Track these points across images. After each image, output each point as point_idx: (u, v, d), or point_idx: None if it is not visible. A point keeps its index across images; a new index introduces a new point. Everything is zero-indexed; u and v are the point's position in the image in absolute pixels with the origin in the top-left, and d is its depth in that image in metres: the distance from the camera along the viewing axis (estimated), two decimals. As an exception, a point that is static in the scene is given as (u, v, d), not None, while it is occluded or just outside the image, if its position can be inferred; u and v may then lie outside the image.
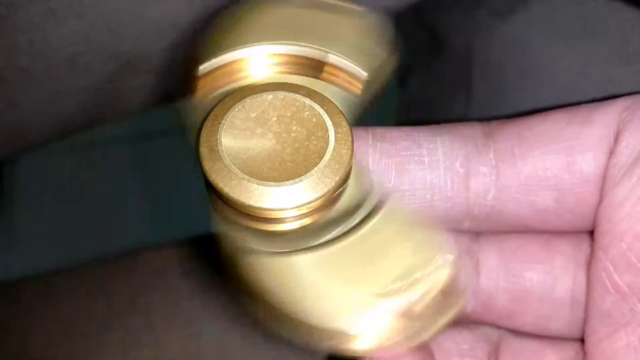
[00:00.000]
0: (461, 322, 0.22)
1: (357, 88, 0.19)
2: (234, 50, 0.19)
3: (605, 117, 0.19)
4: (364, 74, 0.19)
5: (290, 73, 0.19)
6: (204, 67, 0.19)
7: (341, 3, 0.20)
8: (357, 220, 0.18)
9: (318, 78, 0.19)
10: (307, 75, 0.19)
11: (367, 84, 0.19)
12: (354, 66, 0.19)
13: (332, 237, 0.18)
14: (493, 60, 0.28)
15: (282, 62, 0.19)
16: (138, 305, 0.27)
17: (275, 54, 0.19)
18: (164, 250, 0.28)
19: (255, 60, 0.19)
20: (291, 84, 0.18)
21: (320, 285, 0.17)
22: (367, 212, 0.18)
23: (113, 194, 0.38)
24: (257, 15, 0.19)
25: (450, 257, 0.17)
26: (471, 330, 0.21)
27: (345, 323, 0.16)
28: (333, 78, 0.19)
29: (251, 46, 0.19)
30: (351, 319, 0.16)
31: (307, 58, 0.19)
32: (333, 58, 0.19)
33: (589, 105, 0.20)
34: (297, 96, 0.18)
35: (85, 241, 0.37)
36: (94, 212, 0.38)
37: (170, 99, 0.28)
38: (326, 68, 0.19)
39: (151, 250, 0.29)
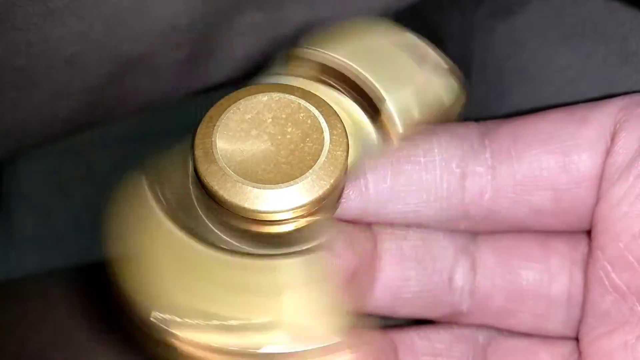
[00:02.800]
0: (444, 321, 0.21)
1: (397, 139, 0.19)
2: (325, 54, 0.19)
3: (602, 117, 0.19)
4: (410, 130, 0.19)
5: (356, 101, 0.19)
6: (300, 51, 0.19)
7: (432, 53, 0.20)
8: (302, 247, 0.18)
9: (374, 119, 0.19)
10: (365, 110, 0.19)
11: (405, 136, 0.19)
12: (403, 124, 0.19)
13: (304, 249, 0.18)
14: (492, 61, 0.28)
15: (344, 87, 0.19)
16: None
17: (341, 76, 0.19)
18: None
19: (327, 69, 0.19)
20: (286, 85, 0.18)
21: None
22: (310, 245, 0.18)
23: (111, 194, 0.38)
24: (352, 34, 0.20)
25: (334, 340, 0.17)
26: (450, 331, 0.21)
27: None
28: (384, 122, 0.19)
29: (339, 60, 0.19)
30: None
31: (368, 96, 0.19)
32: (388, 108, 0.19)
33: (586, 105, 0.20)
34: (292, 97, 0.18)
35: (85, 242, 0.37)
36: (94, 212, 0.38)
37: (172, 98, 0.28)
38: (382, 114, 0.19)
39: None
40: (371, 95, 0.19)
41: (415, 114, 0.19)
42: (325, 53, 0.19)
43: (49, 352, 0.26)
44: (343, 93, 0.19)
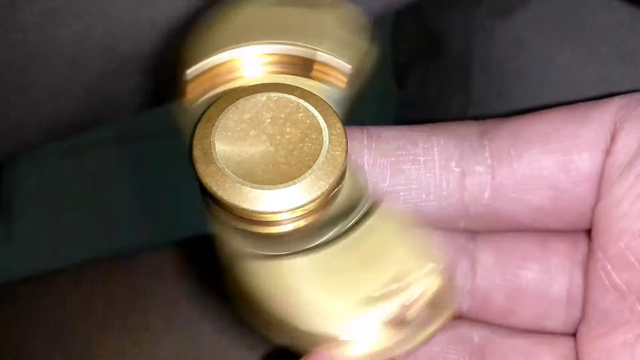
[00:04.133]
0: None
1: (345, 83, 0.19)
2: (223, 51, 0.19)
3: (602, 116, 0.19)
4: (349, 68, 0.19)
5: (281, 72, 0.19)
6: (191, 71, 0.18)
7: None
8: (352, 222, 0.17)
9: (308, 77, 0.19)
10: (297, 74, 0.19)
11: (352, 77, 0.19)
12: (340, 61, 0.19)
13: (327, 240, 0.17)
14: (492, 60, 0.28)
15: (272, 62, 0.19)
16: (136, 305, 0.27)
17: (264, 54, 0.19)
18: (162, 251, 0.28)
19: (245, 60, 0.19)
20: (285, 84, 0.18)
21: (311, 289, 0.16)
22: (361, 214, 0.18)
23: (111, 194, 0.38)
24: (242, 15, 0.19)
25: (443, 263, 0.17)
26: (445, 332, 0.21)
27: (334, 328, 0.16)
28: (322, 75, 0.19)
29: (240, 47, 0.19)
30: (340, 324, 0.16)
31: (296, 57, 0.19)
32: (321, 55, 0.19)
33: (586, 104, 0.20)
34: (291, 97, 0.18)
35: (84, 241, 0.37)
36: (93, 212, 0.38)
37: (166, 99, 0.28)
38: (315, 66, 0.19)
39: (149, 251, 0.29)
40: (299, 54, 0.19)
41: (345, 52, 0.19)
42: (229, 48, 0.18)
43: (48, 352, 0.26)
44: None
